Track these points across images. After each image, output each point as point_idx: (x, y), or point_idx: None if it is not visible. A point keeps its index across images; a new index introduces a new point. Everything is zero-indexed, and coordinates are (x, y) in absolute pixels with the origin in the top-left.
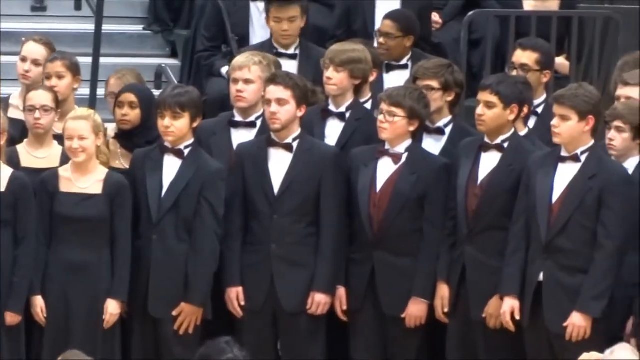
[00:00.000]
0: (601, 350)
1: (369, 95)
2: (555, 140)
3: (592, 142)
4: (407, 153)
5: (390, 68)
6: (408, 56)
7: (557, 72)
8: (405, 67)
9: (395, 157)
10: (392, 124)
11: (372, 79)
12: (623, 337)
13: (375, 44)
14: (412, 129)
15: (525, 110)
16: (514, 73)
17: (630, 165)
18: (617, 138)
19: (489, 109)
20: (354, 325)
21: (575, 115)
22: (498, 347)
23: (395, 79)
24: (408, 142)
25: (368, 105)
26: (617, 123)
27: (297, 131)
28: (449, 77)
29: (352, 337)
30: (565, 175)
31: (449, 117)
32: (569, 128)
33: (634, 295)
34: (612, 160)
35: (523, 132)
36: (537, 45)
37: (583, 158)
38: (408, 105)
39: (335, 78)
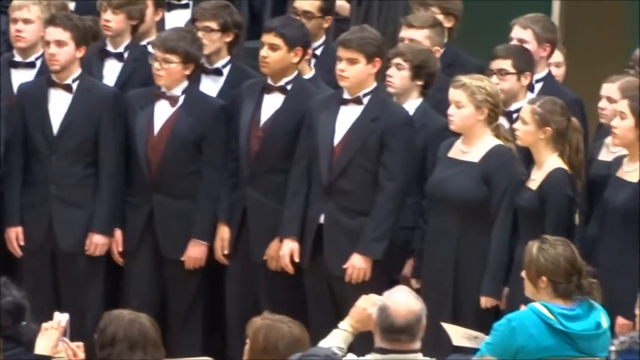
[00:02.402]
0: (381, 292)
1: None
2: (342, 83)
3: (374, 84)
4: (184, 96)
5: (171, 7)
6: None
7: (337, 13)
8: (186, 6)
9: (172, 100)
10: (168, 70)
11: (157, 18)
12: (399, 280)
13: None
14: (187, 72)
15: (310, 52)
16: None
17: (411, 107)
18: (396, 75)
19: (274, 51)
20: (130, 268)
21: (364, 58)
22: (278, 289)
23: (175, 19)
24: (185, 85)
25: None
26: (396, 60)
27: (77, 72)
28: (228, 18)
29: (128, 281)
30: (347, 117)
31: (227, 58)
32: (357, 71)
33: (412, 238)
34: (395, 103)
35: (309, 74)
36: None
37: (365, 100)
38: (183, 50)
39: (113, 20)
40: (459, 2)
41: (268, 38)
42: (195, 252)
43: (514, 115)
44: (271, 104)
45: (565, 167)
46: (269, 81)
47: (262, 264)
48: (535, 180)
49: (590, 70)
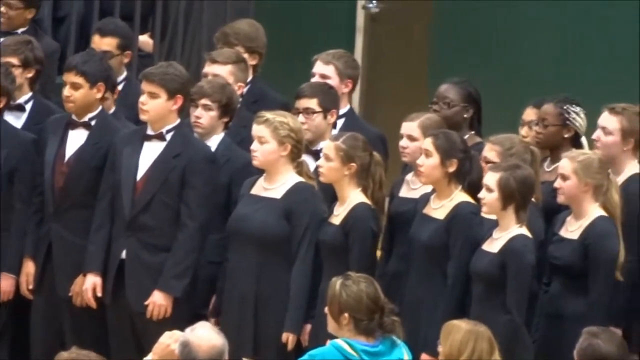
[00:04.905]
0: (183, 329)
1: None
2: (142, 117)
3: (178, 120)
4: None
5: (5, 35)
6: (25, 28)
7: (140, 49)
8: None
9: None
10: None
11: None
12: (207, 315)
13: None
14: (0, 106)
15: (118, 91)
16: None
17: (213, 142)
18: (204, 116)
19: (76, 90)
20: None
21: (165, 93)
22: (83, 324)
23: None
24: None
25: None
26: (203, 101)
27: None
28: (29, 54)
29: None
30: (150, 153)
31: (30, 94)
32: (157, 106)
33: (216, 274)
34: (197, 139)
35: (112, 110)
36: (115, 30)
37: (168, 137)
38: None
39: None
40: (263, 40)
41: (69, 77)
42: (4, 286)
43: (321, 154)
44: (75, 139)
45: (368, 201)
46: (73, 117)
47: (67, 299)
48: (339, 215)
49: (393, 107)
